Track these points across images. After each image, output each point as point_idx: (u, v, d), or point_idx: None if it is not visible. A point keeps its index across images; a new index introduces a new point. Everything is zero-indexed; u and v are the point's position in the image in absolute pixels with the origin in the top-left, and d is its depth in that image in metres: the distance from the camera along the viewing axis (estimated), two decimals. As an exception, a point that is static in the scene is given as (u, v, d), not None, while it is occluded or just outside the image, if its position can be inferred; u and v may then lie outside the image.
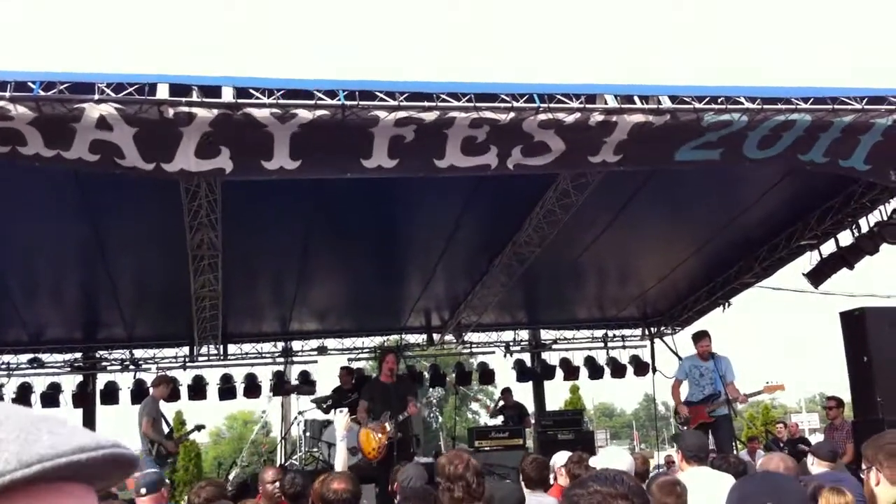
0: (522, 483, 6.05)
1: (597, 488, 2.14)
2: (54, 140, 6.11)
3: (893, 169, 7.99)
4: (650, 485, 4.62)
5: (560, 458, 6.91)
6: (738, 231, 11.77)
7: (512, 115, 6.68)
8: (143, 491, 5.94)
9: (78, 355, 14.96)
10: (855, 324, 10.67)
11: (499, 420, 14.80)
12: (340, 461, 6.32)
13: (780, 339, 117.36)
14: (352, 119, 6.41)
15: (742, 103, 7.10)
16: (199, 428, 12.55)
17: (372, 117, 6.46)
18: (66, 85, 5.98)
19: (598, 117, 6.85)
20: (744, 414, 29.73)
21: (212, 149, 6.40)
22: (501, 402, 15.12)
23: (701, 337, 10.89)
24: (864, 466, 3.28)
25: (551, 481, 6.97)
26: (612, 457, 5.31)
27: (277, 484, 6.35)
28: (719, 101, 7.08)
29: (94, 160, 6.21)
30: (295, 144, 6.50)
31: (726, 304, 14.50)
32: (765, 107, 7.09)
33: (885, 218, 10.31)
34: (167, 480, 7.28)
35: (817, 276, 11.85)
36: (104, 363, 15.19)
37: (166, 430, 11.22)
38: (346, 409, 6.83)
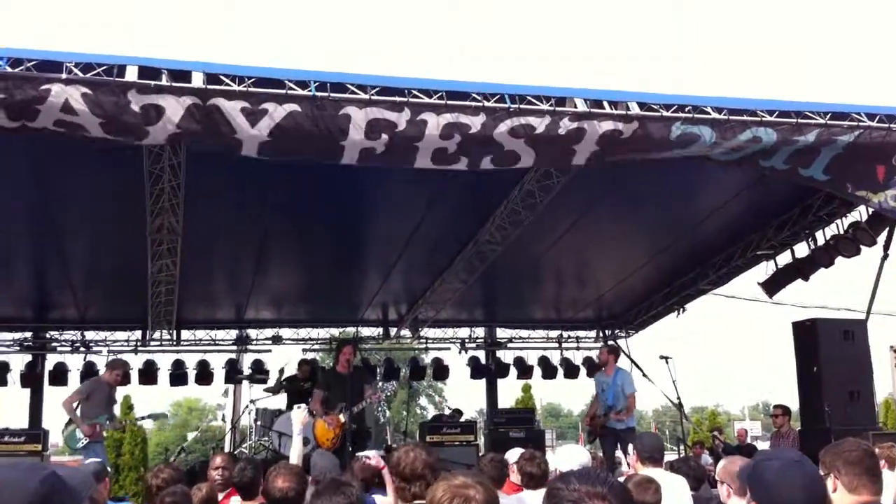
0: None
1: (577, 486, 2.15)
2: (19, 117, 6.00)
3: (851, 181, 8.14)
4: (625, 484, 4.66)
5: (513, 455, 6.94)
6: (696, 238, 11.93)
7: (483, 116, 6.71)
8: None
9: (28, 334, 14.73)
10: (806, 334, 10.87)
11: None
12: (296, 454, 6.28)
13: (726, 346, 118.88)
14: (323, 117, 6.37)
15: (709, 113, 7.21)
16: (156, 417, 12.10)
17: (344, 116, 6.42)
18: (33, 63, 5.88)
19: (568, 124, 6.89)
20: (691, 419, 30.00)
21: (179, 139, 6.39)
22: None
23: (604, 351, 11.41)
24: (821, 473, 3.35)
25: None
26: (570, 454, 5.35)
27: (220, 471, 6.31)
28: (686, 109, 7.18)
29: (61, 130, 6.13)
30: (263, 149, 6.50)
31: (681, 310, 14.69)
32: (731, 117, 7.23)
33: (842, 231, 10.53)
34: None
35: (772, 286, 12.06)
36: (54, 343, 14.92)
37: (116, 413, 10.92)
38: (304, 405, 6.79)
